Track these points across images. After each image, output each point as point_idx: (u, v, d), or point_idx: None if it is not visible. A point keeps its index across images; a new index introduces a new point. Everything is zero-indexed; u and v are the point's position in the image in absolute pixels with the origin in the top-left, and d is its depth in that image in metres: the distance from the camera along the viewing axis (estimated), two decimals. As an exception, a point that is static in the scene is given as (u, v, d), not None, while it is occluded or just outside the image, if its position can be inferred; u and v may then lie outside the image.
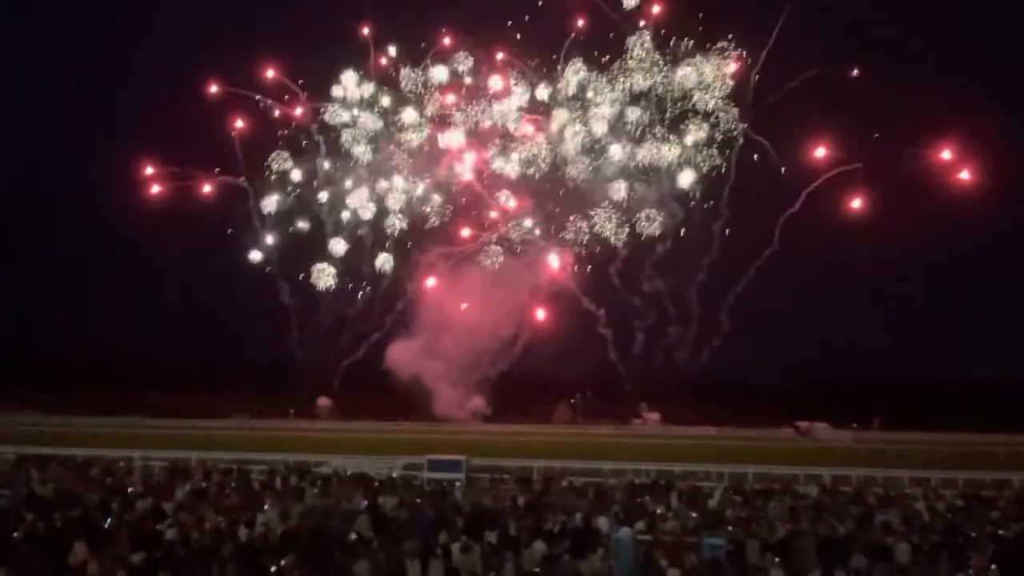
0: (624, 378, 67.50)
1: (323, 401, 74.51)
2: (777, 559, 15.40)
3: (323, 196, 67.07)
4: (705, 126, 61.19)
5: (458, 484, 28.47)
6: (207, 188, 68.59)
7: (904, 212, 59.30)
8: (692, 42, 60.65)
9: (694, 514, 21.11)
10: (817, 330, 76.47)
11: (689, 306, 65.81)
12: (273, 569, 12.41)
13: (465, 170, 65.50)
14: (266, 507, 18.76)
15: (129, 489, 22.55)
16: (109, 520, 16.82)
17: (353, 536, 16.00)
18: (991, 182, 56.32)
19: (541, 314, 66.96)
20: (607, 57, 62.31)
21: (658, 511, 21.35)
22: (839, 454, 41.70)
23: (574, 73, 62.05)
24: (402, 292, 69.34)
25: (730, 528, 18.88)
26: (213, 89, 66.95)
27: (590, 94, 62.67)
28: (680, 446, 45.70)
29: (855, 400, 63.60)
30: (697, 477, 31.83)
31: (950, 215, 59.62)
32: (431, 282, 68.08)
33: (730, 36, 60.29)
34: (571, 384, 72.59)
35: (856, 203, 58.40)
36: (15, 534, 15.17)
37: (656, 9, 61.13)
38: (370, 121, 66.13)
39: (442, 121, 64.93)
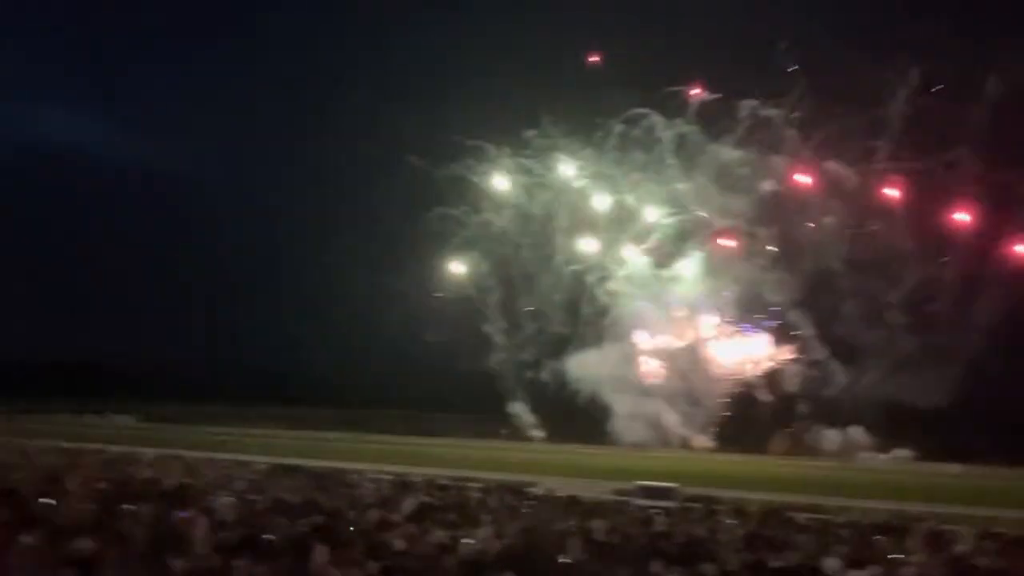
0: (851, 408, 62.70)
1: (519, 410, 75.24)
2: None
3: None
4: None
5: (670, 512, 27.79)
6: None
7: None
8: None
9: (937, 561, 18.90)
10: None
11: (932, 332, 60.13)
12: (492, 585, 12.78)
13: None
14: (483, 524, 19.39)
15: (361, 500, 24.40)
16: (345, 527, 18.25)
17: (565, 559, 16.09)
18: None
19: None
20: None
21: (892, 556, 19.38)
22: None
23: None
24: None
25: (983, 580, 16.70)
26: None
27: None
28: (918, 484, 41.36)
29: None
30: (939, 519, 28.57)
31: None
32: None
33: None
34: (790, 412, 68.39)
35: None
36: (266, 536, 16.89)
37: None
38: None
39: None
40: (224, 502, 21.46)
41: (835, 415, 64.72)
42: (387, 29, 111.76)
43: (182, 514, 18.94)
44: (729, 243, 66.78)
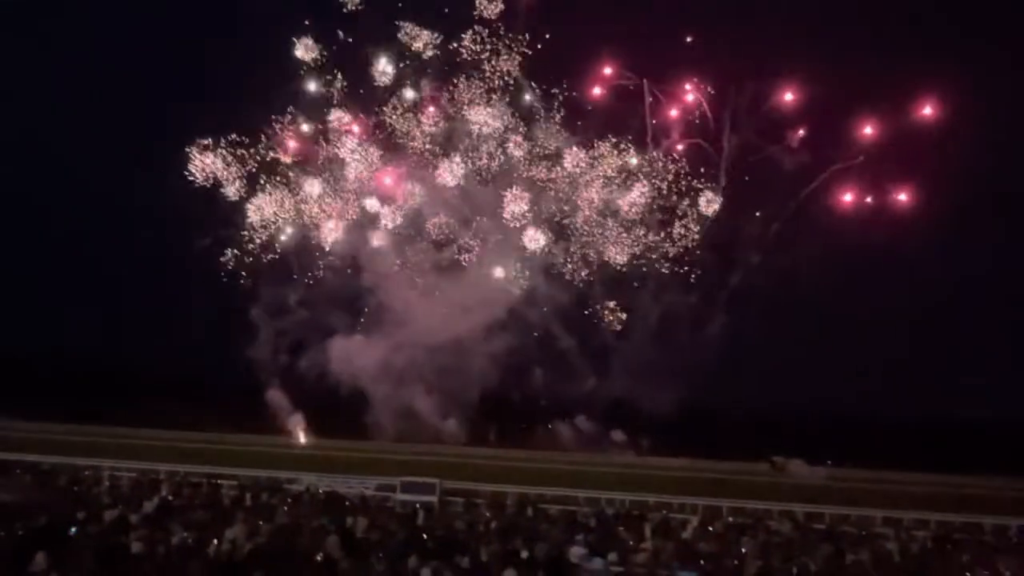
0: (594, 403, 67.68)
1: (280, 400, 72.51)
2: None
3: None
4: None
5: (431, 507, 28.29)
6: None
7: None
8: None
9: (667, 547, 21.02)
10: (795, 361, 75.76)
11: (663, 327, 66.38)
12: (240, 587, 12.22)
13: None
14: (235, 523, 18.46)
15: (96, 500, 22.18)
16: (73, 531, 16.49)
17: (321, 557, 15.78)
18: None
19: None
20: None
21: (631, 542, 21.26)
22: (814, 491, 41.60)
23: None
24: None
25: (702, 562, 18.84)
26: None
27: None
28: (653, 477, 45.44)
29: (833, 436, 63.61)
30: (671, 509, 31.76)
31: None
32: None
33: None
34: (547, 408, 72.38)
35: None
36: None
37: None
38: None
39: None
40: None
41: (579, 413, 69.62)
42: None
43: None
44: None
